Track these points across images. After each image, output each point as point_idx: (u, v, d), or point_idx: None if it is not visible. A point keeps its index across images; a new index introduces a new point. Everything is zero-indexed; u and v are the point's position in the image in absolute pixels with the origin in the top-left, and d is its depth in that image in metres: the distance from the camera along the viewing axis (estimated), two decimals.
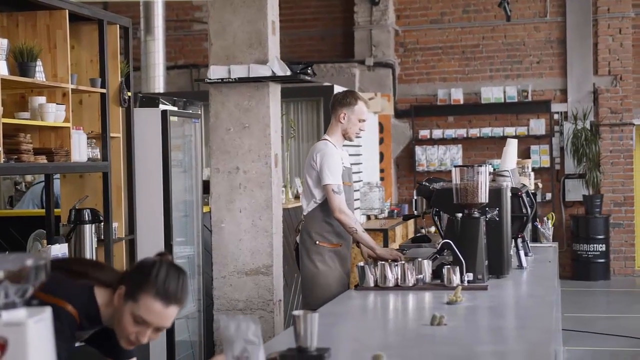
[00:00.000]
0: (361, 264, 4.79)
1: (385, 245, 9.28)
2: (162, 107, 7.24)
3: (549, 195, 13.45)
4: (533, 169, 11.96)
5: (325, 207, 5.52)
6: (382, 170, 12.97)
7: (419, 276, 4.71)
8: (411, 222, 11.59)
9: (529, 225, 6.30)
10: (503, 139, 10.92)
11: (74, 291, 2.93)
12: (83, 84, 6.01)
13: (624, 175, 13.51)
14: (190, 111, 7.81)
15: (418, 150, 13.83)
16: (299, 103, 10.85)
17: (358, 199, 10.36)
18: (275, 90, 6.15)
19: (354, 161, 10.33)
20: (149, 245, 6.63)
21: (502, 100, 13.62)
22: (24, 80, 5.33)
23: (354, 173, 10.05)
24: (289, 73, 5.94)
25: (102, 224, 6.11)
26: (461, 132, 13.71)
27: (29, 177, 9.12)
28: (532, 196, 5.92)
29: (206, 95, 6.21)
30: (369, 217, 10.87)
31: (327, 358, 2.99)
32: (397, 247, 6.28)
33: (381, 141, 12.96)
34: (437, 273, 4.77)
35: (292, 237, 6.14)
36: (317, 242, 5.58)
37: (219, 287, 6.11)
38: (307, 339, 2.96)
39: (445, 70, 13.96)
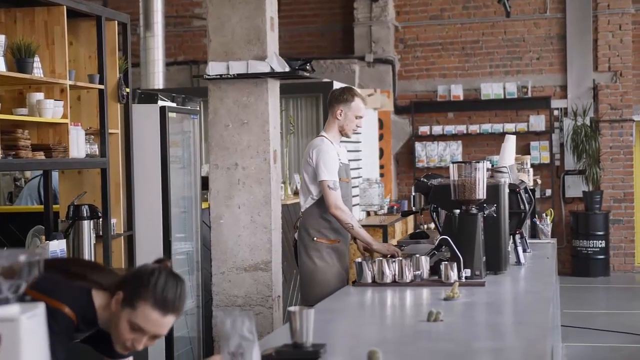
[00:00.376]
0: (359, 260, 4.79)
1: (385, 241, 9.27)
2: (160, 103, 7.23)
3: (548, 192, 13.45)
4: (533, 165, 11.99)
5: (322, 203, 5.53)
6: (381, 167, 12.96)
7: (417, 272, 4.71)
8: (411, 218, 11.59)
9: (527, 222, 6.29)
10: (503, 135, 10.88)
11: (71, 293, 2.93)
12: (81, 80, 6.00)
13: (623, 171, 13.50)
14: (189, 107, 7.81)
15: (418, 146, 13.83)
16: (298, 99, 10.85)
17: (357, 195, 10.36)
18: (274, 86, 6.14)
19: (353, 157, 10.34)
20: (147, 242, 6.63)
21: (502, 97, 13.62)
22: (21, 77, 5.33)
23: (353, 169, 10.09)
24: (287, 69, 5.93)
25: (101, 220, 6.11)
26: (461, 128, 13.70)
27: (28, 173, 9.12)
28: (530, 192, 5.92)
29: (206, 92, 6.21)
30: (368, 214, 10.87)
31: (322, 354, 3.00)
32: (395, 244, 6.28)
33: (381, 137, 12.96)
34: (434, 269, 4.77)
35: (291, 233, 6.14)
36: (315, 238, 5.59)
37: (217, 283, 6.11)
38: (303, 335, 2.97)
39: (445, 67, 13.96)
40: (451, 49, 13.93)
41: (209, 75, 6.00)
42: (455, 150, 13.73)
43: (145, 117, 6.74)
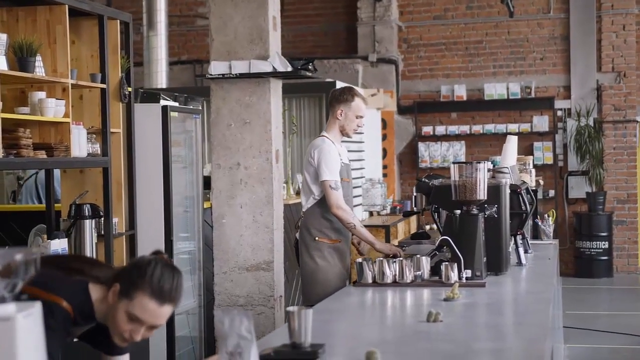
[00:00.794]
0: (359, 260, 4.79)
1: (387, 242, 9.27)
2: (162, 102, 7.24)
3: (552, 192, 13.43)
4: (536, 166, 11.99)
5: (323, 203, 5.54)
6: (385, 167, 12.95)
7: (417, 273, 4.71)
8: (414, 218, 11.57)
9: (529, 222, 6.28)
10: (506, 135, 10.90)
11: (68, 287, 2.94)
12: (83, 79, 6.00)
13: (627, 172, 13.49)
14: (191, 107, 7.81)
15: (421, 146, 13.82)
16: (301, 99, 10.84)
17: (360, 195, 10.35)
18: (276, 86, 6.14)
19: (356, 157, 10.33)
20: (149, 241, 6.63)
21: (506, 97, 13.61)
22: (23, 76, 5.33)
23: (356, 169, 10.09)
24: (289, 69, 5.93)
25: (102, 219, 6.11)
26: (464, 128, 13.69)
27: (31, 173, 9.12)
28: (532, 193, 5.92)
29: (209, 91, 6.20)
30: (371, 214, 10.86)
31: (321, 354, 2.99)
32: (396, 244, 6.27)
33: (384, 137, 12.95)
34: (435, 270, 4.77)
35: (293, 233, 6.14)
36: (317, 238, 5.60)
37: (219, 283, 6.11)
38: (302, 335, 2.96)
39: (448, 67, 13.95)
40: (454, 49, 13.92)
41: (211, 74, 6.00)
42: (458, 150, 13.72)
43: (147, 116, 6.75)
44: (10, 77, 5.29)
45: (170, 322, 6.83)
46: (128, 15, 6.67)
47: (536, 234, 6.96)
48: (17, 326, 1.94)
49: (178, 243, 7.07)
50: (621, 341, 8.85)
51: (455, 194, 4.84)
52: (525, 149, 13.03)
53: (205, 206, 7.37)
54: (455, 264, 4.65)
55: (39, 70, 5.47)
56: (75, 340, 3.15)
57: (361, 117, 5.67)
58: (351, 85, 6.57)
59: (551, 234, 6.93)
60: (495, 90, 13.61)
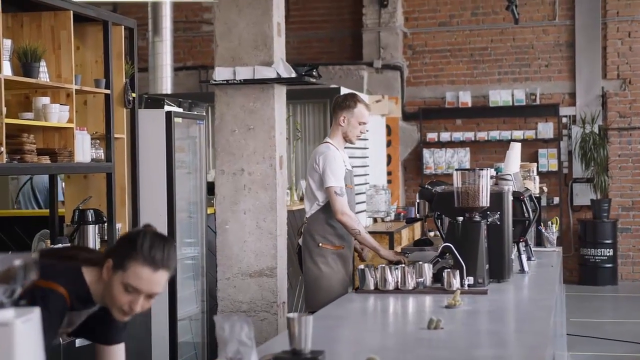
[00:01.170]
0: (361, 266, 4.79)
1: (391, 248, 9.26)
2: (167, 108, 7.25)
3: (556, 200, 13.41)
4: (541, 173, 11.98)
5: (327, 209, 5.54)
6: (389, 173, 12.95)
7: (419, 279, 4.70)
8: (418, 225, 11.57)
9: (532, 230, 6.28)
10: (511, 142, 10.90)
11: (62, 273, 2.99)
12: (87, 84, 6.02)
13: (632, 179, 13.46)
14: (196, 112, 7.82)
15: (426, 153, 13.82)
16: (306, 105, 10.85)
17: (364, 202, 10.35)
18: (280, 92, 6.15)
19: (361, 163, 10.34)
20: None
21: (511, 104, 13.60)
22: (28, 81, 5.35)
23: (361, 175, 10.08)
24: (294, 75, 5.93)
25: (106, 224, 6.12)
26: (469, 135, 13.69)
27: (25, 178, 9.14)
28: (535, 200, 5.91)
29: (214, 97, 6.21)
30: (375, 220, 10.85)
31: None
32: (399, 250, 6.27)
33: (389, 144, 12.95)
34: (437, 277, 4.76)
35: (296, 239, 6.14)
36: (320, 244, 5.60)
37: (222, 289, 6.11)
38: (302, 342, 2.96)
39: (453, 73, 13.95)
40: (460, 55, 13.93)
41: (215, 80, 6.01)
42: (463, 157, 13.72)
43: (151, 122, 6.76)
44: (14, 83, 5.30)
45: (173, 328, 6.84)
46: (133, 21, 6.69)
47: (540, 241, 6.95)
48: (16, 331, 1.95)
49: (181, 249, 7.08)
50: (625, 349, 8.83)
51: (457, 201, 4.83)
52: (530, 156, 13.02)
53: (209, 212, 7.38)
54: (458, 271, 4.65)
55: (43, 75, 5.49)
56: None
57: (364, 123, 5.68)
58: (354, 92, 6.58)
59: (555, 241, 6.92)
60: (500, 97, 13.61)
